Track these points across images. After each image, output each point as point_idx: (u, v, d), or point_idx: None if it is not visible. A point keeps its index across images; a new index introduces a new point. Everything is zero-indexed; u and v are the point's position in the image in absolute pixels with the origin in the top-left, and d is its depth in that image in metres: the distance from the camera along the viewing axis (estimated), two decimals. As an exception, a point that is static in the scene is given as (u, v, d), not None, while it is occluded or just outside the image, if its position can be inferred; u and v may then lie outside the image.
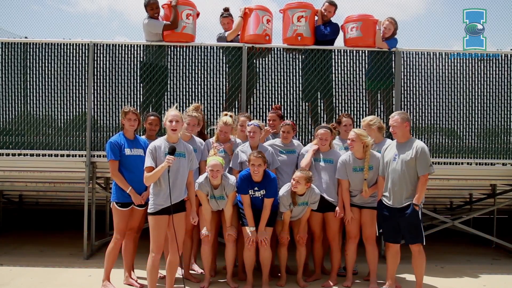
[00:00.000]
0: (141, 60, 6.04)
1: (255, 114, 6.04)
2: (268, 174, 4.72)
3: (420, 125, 6.14)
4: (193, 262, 5.40)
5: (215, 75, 6.09)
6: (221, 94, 6.10)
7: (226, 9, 6.47)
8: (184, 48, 6.09)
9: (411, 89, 6.13)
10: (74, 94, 5.97)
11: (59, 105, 5.97)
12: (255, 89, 6.12)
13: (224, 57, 6.12)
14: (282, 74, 6.13)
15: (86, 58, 5.97)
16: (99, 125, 5.98)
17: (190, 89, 6.06)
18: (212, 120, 5.98)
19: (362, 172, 4.81)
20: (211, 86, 6.08)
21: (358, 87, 6.13)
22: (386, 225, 4.64)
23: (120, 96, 5.99)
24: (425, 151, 4.48)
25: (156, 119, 5.17)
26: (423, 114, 6.12)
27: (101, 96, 5.98)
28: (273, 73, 6.13)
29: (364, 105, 6.14)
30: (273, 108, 5.73)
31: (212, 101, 6.07)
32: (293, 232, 4.99)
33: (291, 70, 6.14)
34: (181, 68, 6.08)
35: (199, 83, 6.06)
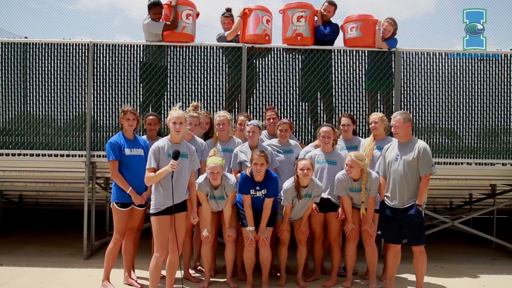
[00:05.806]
0: (141, 60, 6.04)
1: (255, 114, 6.04)
2: (269, 174, 4.72)
3: (420, 125, 6.13)
4: (198, 264, 5.40)
5: (215, 75, 6.08)
6: (221, 94, 6.10)
7: (229, 9, 6.47)
8: (184, 48, 6.09)
9: (411, 89, 6.13)
10: (74, 94, 5.97)
11: (59, 105, 5.97)
12: (255, 89, 6.11)
13: (224, 57, 6.11)
14: (282, 74, 6.12)
15: (86, 58, 5.97)
16: (99, 125, 5.98)
17: (190, 89, 6.06)
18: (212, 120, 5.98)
19: (359, 193, 4.78)
20: (211, 86, 6.07)
21: (358, 87, 6.13)
22: (388, 226, 4.64)
23: (120, 96, 5.99)
24: (427, 151, 4.48)
25: (154, 118, 5.16)
26: (423, 114, 6.12)
27: (101, 96, 5.98)
28: (273, 73, 6.13)
29: (364, 105, 6.13)
30: (267, 108, 5.71)
31: (212, 101, 6.07)
32: (294, 231, 4.98)
33: (291, 70, 6.14)
34: (181, 68, 6.07)
35: (199, 83, 6.06)
